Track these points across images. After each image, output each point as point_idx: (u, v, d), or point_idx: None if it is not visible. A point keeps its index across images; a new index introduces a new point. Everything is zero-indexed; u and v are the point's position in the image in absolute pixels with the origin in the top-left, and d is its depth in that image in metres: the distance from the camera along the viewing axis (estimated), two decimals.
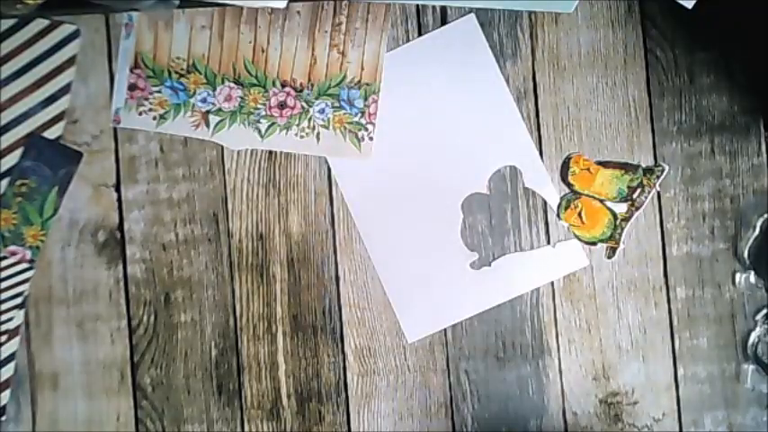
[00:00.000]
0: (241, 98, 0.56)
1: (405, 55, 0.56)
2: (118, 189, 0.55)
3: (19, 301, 0.54)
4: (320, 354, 0.56)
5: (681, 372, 0.56)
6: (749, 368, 0.56)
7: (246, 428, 0.55)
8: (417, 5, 0.56)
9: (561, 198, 0.56)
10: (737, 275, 0.57)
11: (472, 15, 0.56)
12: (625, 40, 0.57)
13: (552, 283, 0.56)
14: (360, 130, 0.56)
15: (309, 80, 0.56)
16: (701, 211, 0.57)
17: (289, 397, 0.55)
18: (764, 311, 0.57)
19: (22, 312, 0.54)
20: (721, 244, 0.57)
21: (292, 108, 0.56)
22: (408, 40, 0.56)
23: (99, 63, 0.55)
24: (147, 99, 0.55)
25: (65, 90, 0.54)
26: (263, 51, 0.56)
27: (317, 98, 0.56)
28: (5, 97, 0.54)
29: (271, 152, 0.56)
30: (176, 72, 0.55)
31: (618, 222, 0.56)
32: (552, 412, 0.56)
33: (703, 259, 0.57)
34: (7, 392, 0.54)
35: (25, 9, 0.49)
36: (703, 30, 0.56)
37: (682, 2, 0.53)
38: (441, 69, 0.56)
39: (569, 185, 0.56)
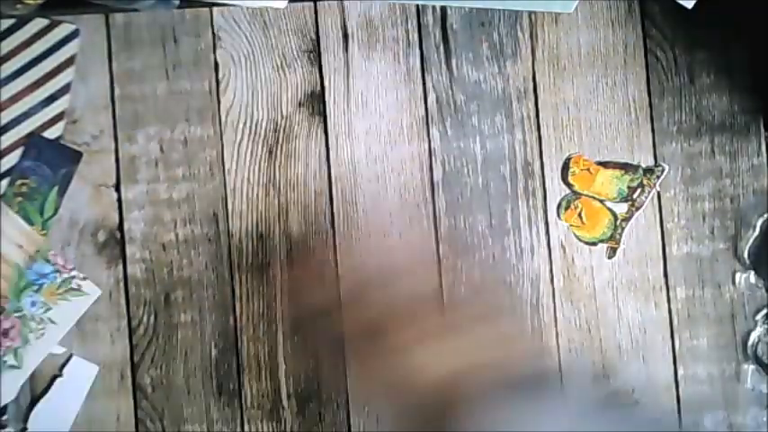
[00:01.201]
0: None
1: None
2: (118, 189, 0.55)
3: None
4: (320, 354, 0.55)
5: (681, 372, 0.56)
6: (749, 368, 0.56)
7: (246, 428, 0.55)
8: (417, 5, 0.56)
9: (561, 198, 0.56)
10: (737, 275, 0.57)
11: None
12: (625, 40, 0.57)
13: (552, 283, 0.56)
14: None
15: None
16: (701, 211, 0.57)
17: (289, 397, 0.55)
18: (764, 311, 0.57)
19: None
20: (721, 244, 0.57)
21: None
22: (408, 40, 0.56)
23: (99, 63, 0.55)
24: None
25: (65, 90, 0.54)
26: None
27: None
28: (5, 97, 0.54)
29: (270, 152, 0.56)
30: None
31: (618, 222, 0.56)
32: None
33: (703, 259, 0.57)
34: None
35: (25, 9, 0.49)
36: (703, 30, 0.56)
37: (682, 2, 0.53)
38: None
39: (569, 185, 0.56)
